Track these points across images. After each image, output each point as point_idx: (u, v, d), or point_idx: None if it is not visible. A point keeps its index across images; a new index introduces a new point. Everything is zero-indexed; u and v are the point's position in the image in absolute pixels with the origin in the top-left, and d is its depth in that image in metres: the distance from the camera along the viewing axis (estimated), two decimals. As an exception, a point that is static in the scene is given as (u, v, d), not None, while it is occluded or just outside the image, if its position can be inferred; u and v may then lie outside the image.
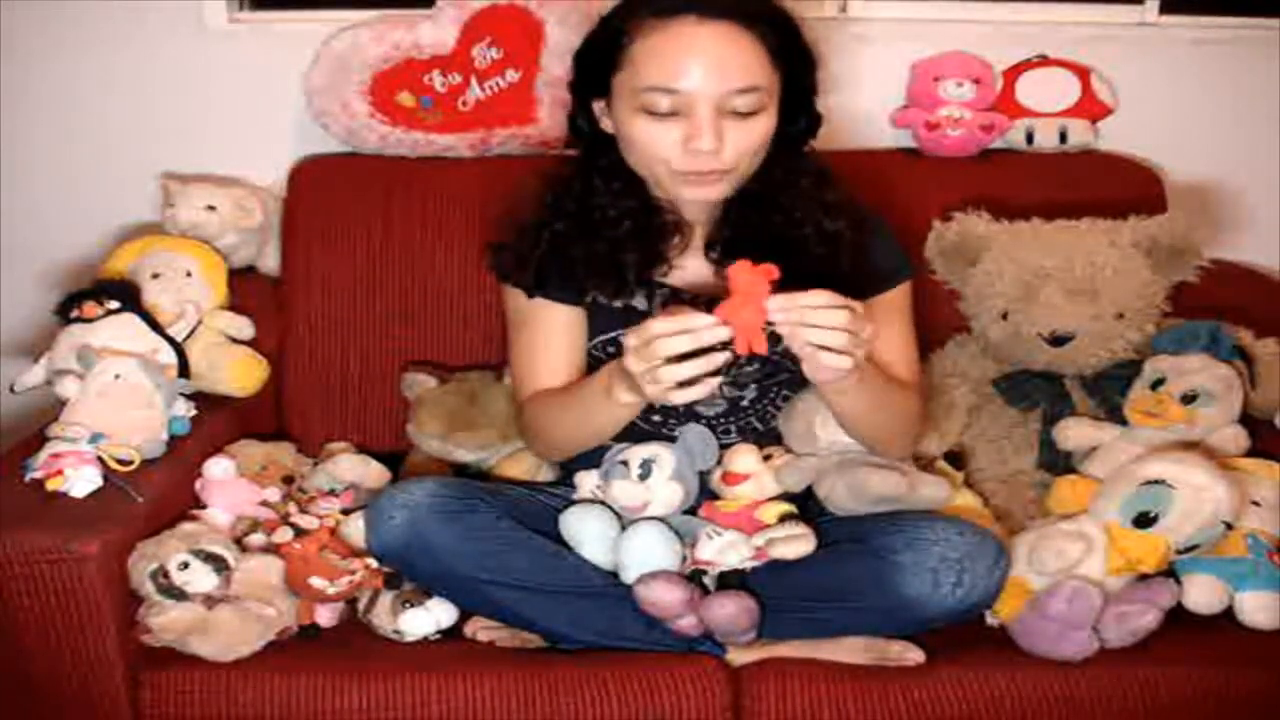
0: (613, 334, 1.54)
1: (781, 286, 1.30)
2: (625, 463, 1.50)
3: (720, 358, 1.28)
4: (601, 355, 1.56)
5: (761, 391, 1.57)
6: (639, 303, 1.54)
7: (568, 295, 1.55)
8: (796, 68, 1.46)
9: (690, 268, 1.55)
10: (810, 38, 1.48)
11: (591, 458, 1.56)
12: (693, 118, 1.40)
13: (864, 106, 2.11)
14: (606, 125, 1.49)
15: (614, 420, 1.48)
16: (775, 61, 1.43)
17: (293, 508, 1.63)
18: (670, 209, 1.53)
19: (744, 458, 1.51)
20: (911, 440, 1.58)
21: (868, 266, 1.52)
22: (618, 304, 1.53)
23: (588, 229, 1.51)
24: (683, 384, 1.29)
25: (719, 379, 1.30)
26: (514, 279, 1.56)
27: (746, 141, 1.42)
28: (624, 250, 1.50)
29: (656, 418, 1.56)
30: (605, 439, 1.53)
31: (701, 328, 1.27)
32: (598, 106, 1.50)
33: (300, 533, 1.53)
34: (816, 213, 1.49)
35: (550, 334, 1.56)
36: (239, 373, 1.81)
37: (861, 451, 1.52)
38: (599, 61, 1.46)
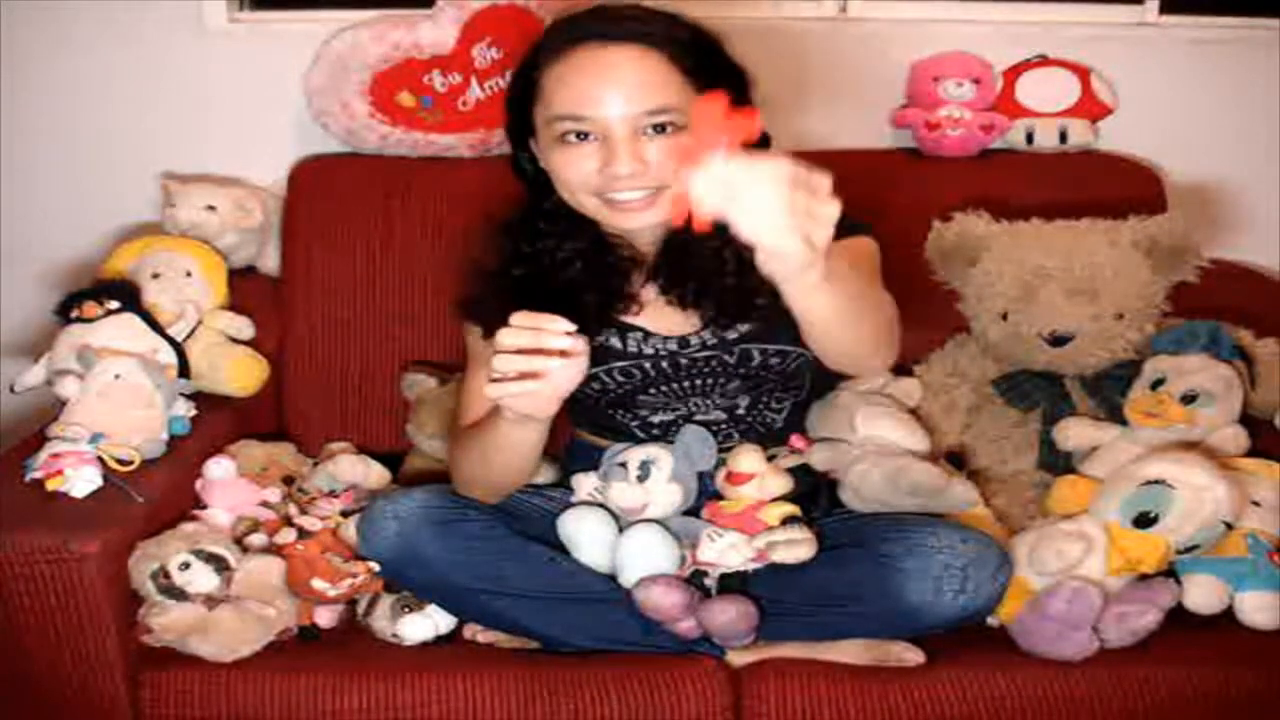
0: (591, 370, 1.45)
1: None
2: (624, 464, 1.50)
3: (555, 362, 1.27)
4: (575, 393, 1.45)
5: (754, 401, 1.56)
6: (615, 342, 1.50)
7: None
8: (720, 86, 1.35)
9: (650, 299, 1.50)
10: (737, 51, 1.41)
11: (590, 459, 1.56)
12: (608, 142, 1.35)
13: (864, 106, 2.11)
14: (545, 164, 1.44)
15: (511, 445, 1.40)
16: (692, 81, 1.36)
17: (293, 508, 1.63)
18: (623, 243, 1.48)
19: (748, 457, 1.50)
20: (891, 351, 1.37)
21: None
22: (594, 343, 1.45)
23: (544, 273, 1.47)
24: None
25: (543, 383, 1.27)
26: (477, 321, 1.49)
27: (671, 158, 1.34)
28: (581, 291, 1.46)
29: (656, 431, 1.55)
30: (520, 472, 1.47)
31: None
32: (533, 145, 1.44)
33: (304, 534, 1.53)
34: (736, 241, 1.34)
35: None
36: (239, 373, 1.81)
37: (895, 448, 1.52)
38: (520, 98, 1.42)
